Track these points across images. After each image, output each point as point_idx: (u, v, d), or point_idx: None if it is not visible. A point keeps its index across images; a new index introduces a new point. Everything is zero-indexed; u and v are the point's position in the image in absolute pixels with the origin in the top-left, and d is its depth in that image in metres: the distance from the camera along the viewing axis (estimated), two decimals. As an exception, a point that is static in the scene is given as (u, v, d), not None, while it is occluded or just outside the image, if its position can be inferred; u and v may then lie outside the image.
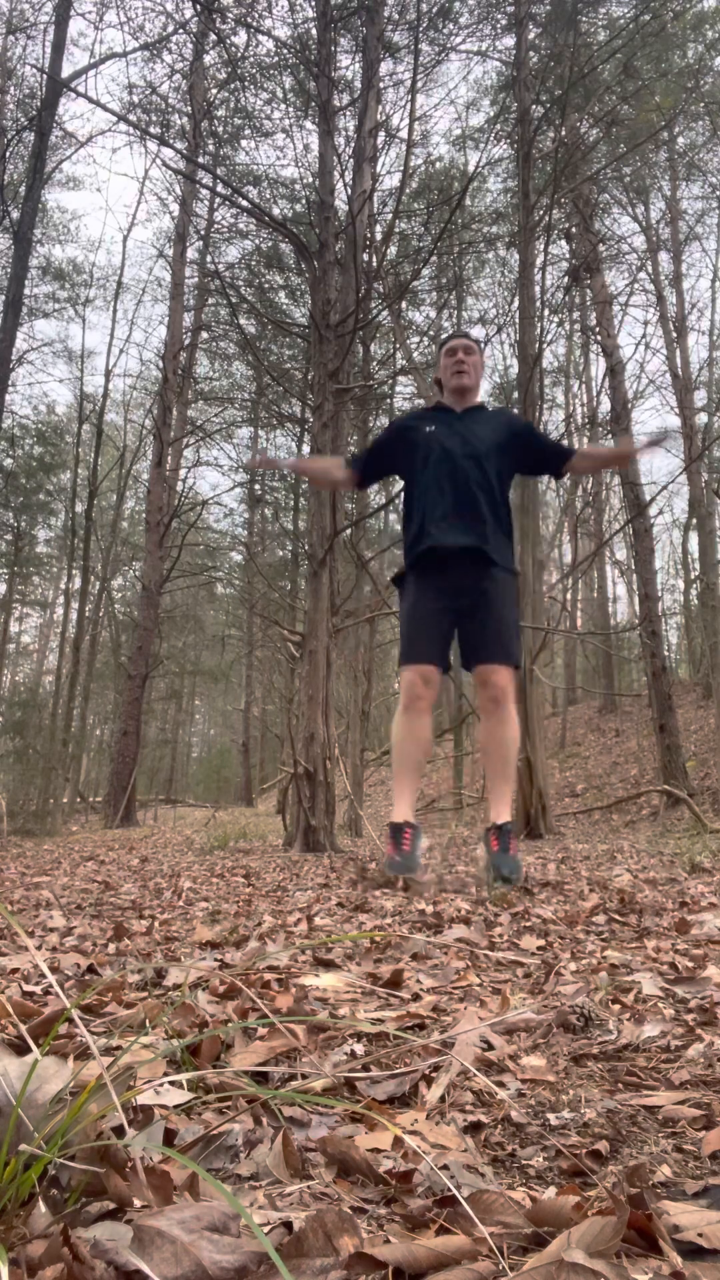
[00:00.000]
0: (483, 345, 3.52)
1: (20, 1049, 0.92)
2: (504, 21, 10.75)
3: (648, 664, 11.59)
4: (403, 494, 3.37)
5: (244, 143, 13.06)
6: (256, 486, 19.13)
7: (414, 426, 3.34)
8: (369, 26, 8.14)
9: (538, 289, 8.76)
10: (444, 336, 3.44)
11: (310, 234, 8.14)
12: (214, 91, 13.16)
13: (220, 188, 11.40)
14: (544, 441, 3.38)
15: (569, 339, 18.62)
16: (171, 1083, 0.90)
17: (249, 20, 10.12)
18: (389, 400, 14.12)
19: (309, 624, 6.26)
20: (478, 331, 16.04)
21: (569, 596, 18.42)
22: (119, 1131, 0.69)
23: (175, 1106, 0.86)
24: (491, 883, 2.87)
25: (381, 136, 8.64)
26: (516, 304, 9.09)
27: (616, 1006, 1.28)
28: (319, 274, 6.84)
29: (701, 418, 17.17)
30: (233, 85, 12.14)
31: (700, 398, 18.14)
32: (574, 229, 11.30)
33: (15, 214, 10.12)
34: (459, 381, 3.33)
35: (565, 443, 3.42)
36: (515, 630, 3.19)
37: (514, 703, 3.15)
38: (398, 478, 3.47)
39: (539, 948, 1.78)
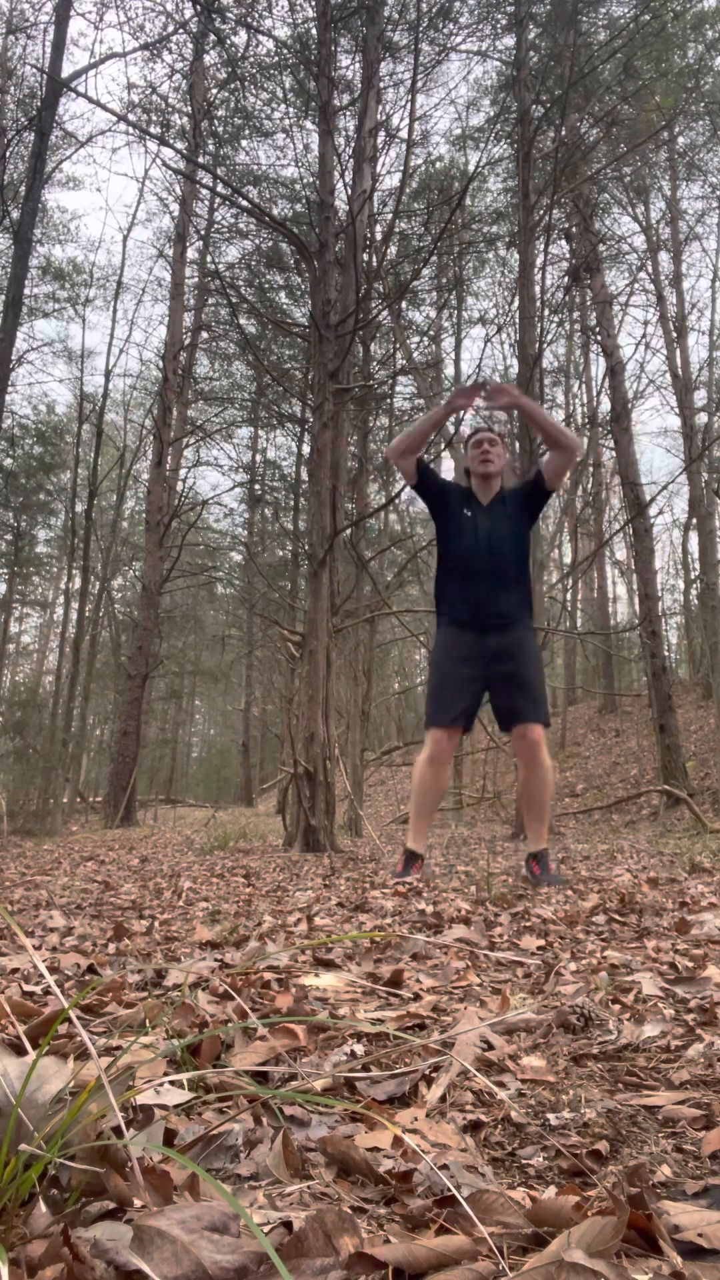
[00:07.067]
0: (505, 437, 3.85)
1: (20, 1049, 0.92)
2: (504, 21, 10.73)
3: (648, 664, 11.58)
4: (437, 552, 3.76)
5: (244, 143, 13.04)
6: (256, 486, 19.11)
7: (453, 491, 3.68)
8: (369, 26, 8.13)
9: (538, 289, 8.76)
10: (469, 430, 3.82)
11: (310, 234, 8.14)
12: (214, 91, 13.13)
13: (220, 188, 11.38)
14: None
15: (569, 339, 18.60)
16: (171, 1082, 0.90)
17: (249, 20, 10.11)
18: (389, 400, 14.11)
19: (309, 624, 6.26)
20: (478, 332, 16.04)
21: (569, 596, 18.39)
22: (119, 1131, 0.69)
23: (175, 1106, 0.86)
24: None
25: (381, 136, 8.62)
26: (516, 304, 9.09)
27: (616, 1006, 1.28)
28: (319, 274, 6.83)
29: (701, 418, 17.15)
30: (233, 85, 12.12)
31: (700, 398, 18.12)
32: (574, 229, 11.28)
33: (15, 214, 10.11)
34: (485, 469, 3.65)
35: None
36: (544, 690, 3.57)
37: (547, 754, 3.54)
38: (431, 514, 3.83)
39: (539, 948, 1.78)
